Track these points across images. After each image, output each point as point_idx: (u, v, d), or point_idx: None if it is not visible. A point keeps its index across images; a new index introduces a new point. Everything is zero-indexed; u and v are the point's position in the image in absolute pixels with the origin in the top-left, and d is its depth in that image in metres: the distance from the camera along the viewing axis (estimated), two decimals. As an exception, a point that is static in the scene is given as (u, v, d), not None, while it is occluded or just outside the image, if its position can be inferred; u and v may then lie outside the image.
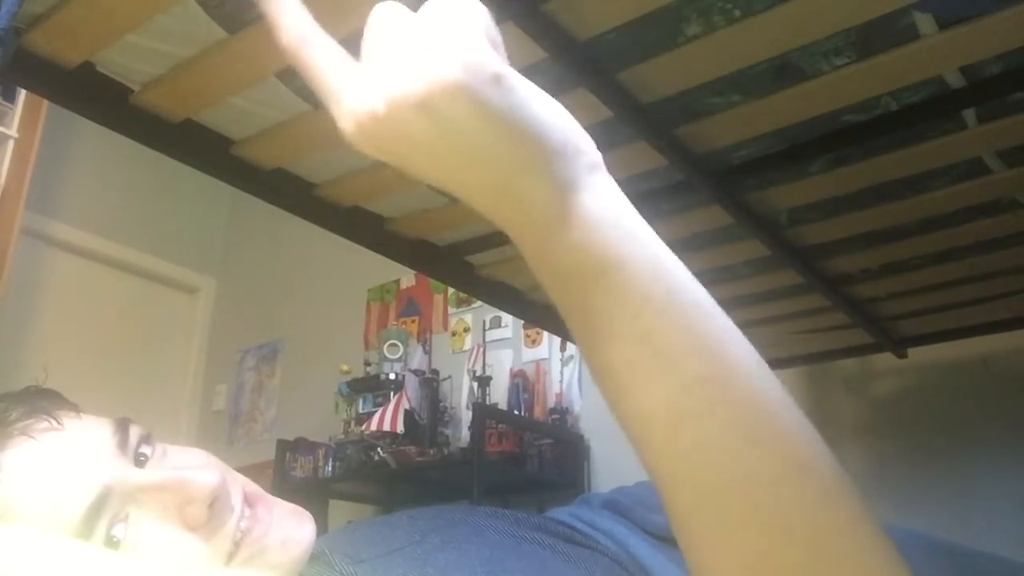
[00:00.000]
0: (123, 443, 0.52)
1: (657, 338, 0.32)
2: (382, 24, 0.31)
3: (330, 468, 2.55)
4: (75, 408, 0.53)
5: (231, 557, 0.51)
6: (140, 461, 0.52)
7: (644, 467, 0.34)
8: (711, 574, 0.33)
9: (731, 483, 0.32)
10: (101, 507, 0.48)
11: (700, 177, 1.02)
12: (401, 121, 0.31)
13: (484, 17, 0.31)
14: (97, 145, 3.05)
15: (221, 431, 3.48)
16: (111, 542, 0.48)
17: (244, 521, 0.53)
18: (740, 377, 0.33)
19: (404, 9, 0.32)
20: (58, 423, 0.50)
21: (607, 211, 0.33)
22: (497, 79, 0.30)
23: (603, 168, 0.34)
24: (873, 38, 0.80)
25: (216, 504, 0.51)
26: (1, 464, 0.47)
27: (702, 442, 0.32)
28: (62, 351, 3.03)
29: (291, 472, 2.62)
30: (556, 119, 0.32)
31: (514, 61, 0.31)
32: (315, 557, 0.58)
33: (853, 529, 0.32)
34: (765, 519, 0.31)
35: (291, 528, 0.54)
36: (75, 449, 0.49)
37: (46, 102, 2.55)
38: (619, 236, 0.33)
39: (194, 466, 0.53)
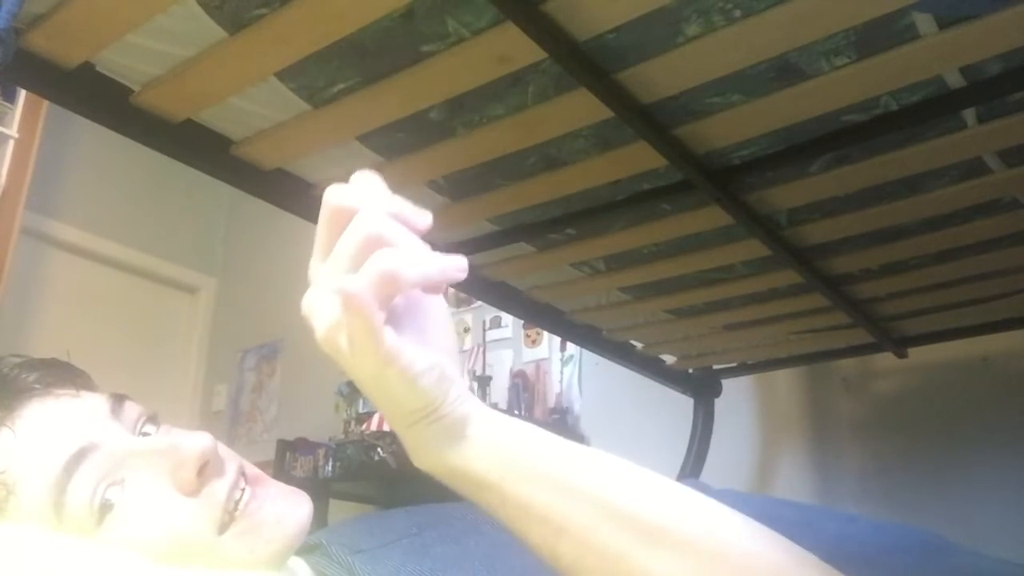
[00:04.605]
0: (116, 410, 0.54)
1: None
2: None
3: (330, 468, 2.55)
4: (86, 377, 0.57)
5: (224, 527, 0.51)
6: (144, 436, 0.54)
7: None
8: None
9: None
10: (81, 460, 0.49)
11: (700, 177, 1.02)
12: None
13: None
14: (97, 145, 3.05)
15: (221, 431, 3.48)
16: (106, 505, 0.48)
17: (239, 492, 0.53)
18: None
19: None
20: (75, 391, 0.53)
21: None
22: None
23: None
24: (873, 38, 0.80)
25: (207, 469, 0.51)
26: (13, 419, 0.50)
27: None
28: (62, 351, 3.02)
29: (291, 472, 2.62)
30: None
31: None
32: (313, 548, 0.59)
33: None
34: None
35: (287, 505, 0.54)
36: (70, 412, 0.52)
37: (46, 102, 2.55)
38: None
39: (186, 434, 0.53)
